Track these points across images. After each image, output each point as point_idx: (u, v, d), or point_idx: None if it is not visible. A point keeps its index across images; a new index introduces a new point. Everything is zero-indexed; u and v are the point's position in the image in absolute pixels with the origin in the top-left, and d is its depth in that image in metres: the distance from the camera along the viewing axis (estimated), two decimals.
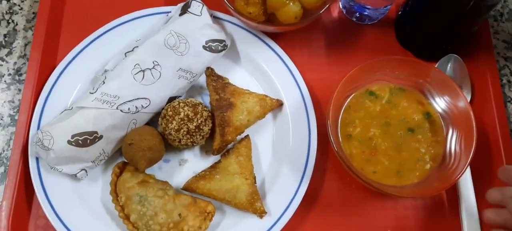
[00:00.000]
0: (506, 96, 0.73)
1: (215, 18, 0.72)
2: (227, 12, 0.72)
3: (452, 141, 0.63)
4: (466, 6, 0.62)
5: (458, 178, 0.59)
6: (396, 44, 0.75)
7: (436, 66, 0.71)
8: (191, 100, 0.64)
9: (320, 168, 0.67)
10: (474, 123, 0.60)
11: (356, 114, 0.65)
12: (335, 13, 0.77)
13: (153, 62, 0.64)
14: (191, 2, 0.69)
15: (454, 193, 0.65)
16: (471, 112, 0.61)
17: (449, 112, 0.64)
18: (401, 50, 0.74)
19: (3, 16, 0.76)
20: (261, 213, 0.61)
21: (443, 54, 0.71)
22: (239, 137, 0.66)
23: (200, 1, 0.70)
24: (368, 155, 0.63)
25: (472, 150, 0.59)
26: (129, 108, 0.62)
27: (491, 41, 0.74)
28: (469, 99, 0.70)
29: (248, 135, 0.67)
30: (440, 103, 0.66)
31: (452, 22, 0.67)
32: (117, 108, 0.62)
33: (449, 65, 0.71)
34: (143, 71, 0.64)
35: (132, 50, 0.67)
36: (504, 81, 0.74)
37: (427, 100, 0.66)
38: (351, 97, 0.66)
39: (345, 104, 0.66)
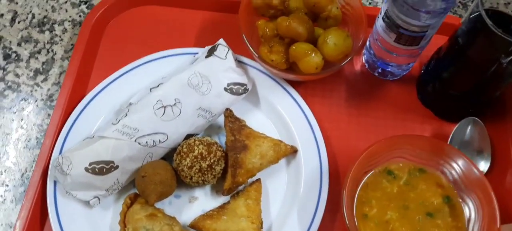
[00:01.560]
0: None
1: (239, 63, 0.74)
2: (251, 57, 0.74)
3: (475, 228, 0.61)
4: (487, 71, 0.62)
5: None
6: (416, 102, 0.74)
7: (455, 128, 0.70)
8: (206, 139, 0.66)
9: (328, 222, 0.66)
10: (498, 218, 0.57)
11: (373, 194, 0.63)
12: (357, 67, 0.78)
13: (175, 100, 0.67)
14: (217, 46, 0.72)
15: None
16: (496, 208, 0.58)
17: (472, 198, 0.62)
18: (422, 109, 0.74)
19: (44, 45, 0.81)
20: None
21: (464, 116, 0.70)
22: (250, 180, 0.67)
23: (226, 45, 0.73)
24: None
25: None
26: (146, 142, 0.64)
27: None
28: (488, 164, 0.68)
29: (259, 179, 0.67)
30: (463, 190, 0.63)
31: (474, 85, 0.66)
32: (135, 140, 0.64)
33: (468, 128, 0.69)
34: (165, 107, 0.66)
35: (157, 86, 0.70)
36: None
37: (448, 183, 0.63)
38: (369, 175, 0.64)
39: (363, 181, 0.64)
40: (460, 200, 0.63)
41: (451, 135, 0.70)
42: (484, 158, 0.69)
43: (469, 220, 0.62)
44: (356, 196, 0.63)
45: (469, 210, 0.62)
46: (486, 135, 0.69)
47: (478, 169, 0.61)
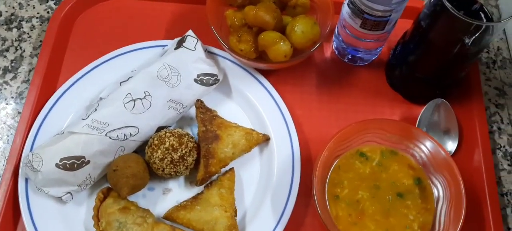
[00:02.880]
0: (496, 143, 0.73)
1: (209, 53, 0.75)
2: (221, 48, 0.74)
3: (442, 210, 0.62)
4: (451, 52, 0.63)
5: None
6: (386, 86, 0.76)
7: (423, 110, 0.71)
8: (178, 131, 0.66)
9: (301, 207, 0.67)
10: (464, 198, 0.59)
11: (346, 175, 0.64)
12: (327, 54, 0.79)
13: (145, 93, 0.67)
14: (186, 37, 0.72)
15: None
16: (462, 188, 0.59)
17: (440, 179, 0.63)
18: (391, 92, 0.75)
19: (12, 43, 0.80)
20: None
21: (431, 97, 0.71)
22: (223, 169, 0.67)
23: (195, 36, 0.73)
24: (355, 218, 0.62)
25: (460, 224, 0.58)
26: (117, 136, 0.64)
27: (480, 87, 0.74)
28: (456, 144, 0.70)
29: (232, 168, 0.68)
30: (431, 172, 0.64)
31: (439, 67, 0.68)
32: (106, 135, 0.64)
33: (435, 109, 0.71)
34: (134, 100, 0.66)
35: (127, 80, 0.69)
36: (495, 128, 0.74)
37: (418, 165, 0.65)
38: (341, 157, 0.65)
39: (334, 164, 0.65)
40: (430, 182, 0.64)
41: (419, 117, 0.71)
42: (451, 138, 0.70)
43: (438, 200, 0.63)
44: (328, 178, 0.64)
45: (438, 190, 0.63)
46: (453, 115, 0.71)
47: (444, 150, 0.62)
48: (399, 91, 0.74)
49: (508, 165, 0.71)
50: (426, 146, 0.63)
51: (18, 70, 0.78)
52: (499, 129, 0.74)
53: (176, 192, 0.68)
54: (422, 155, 0.64)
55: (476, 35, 0.60)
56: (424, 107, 0.71)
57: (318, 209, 0.59)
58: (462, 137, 0.71)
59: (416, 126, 0.70)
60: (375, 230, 0.62)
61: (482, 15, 0.62)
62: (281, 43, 0.69)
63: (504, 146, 0.72)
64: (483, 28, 0.58)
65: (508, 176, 0.70)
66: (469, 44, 0.61)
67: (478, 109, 0.72)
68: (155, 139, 0.65)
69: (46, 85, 0.73)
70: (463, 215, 0.58)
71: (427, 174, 0.64)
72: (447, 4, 0.56)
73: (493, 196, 0.66)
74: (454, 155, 0.69)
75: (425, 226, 0.62)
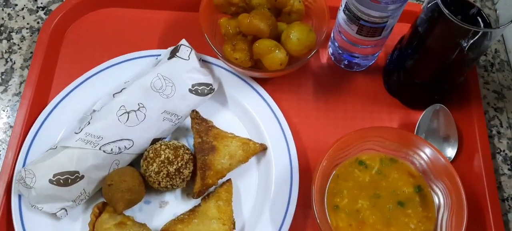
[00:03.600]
0: (496, 147, 0.72)
1: (204, 62, 0.73)
2: (216, 56, 0.73)
3: (443, 217, 0.61)
4: (449, 57, 0.62)
5: None
6: (384, 92, 0.75)
7: (422, 116, 0.70)
8: (173, 143, 0.65)
9: (300, 218, 0.66)
10: (465, 205, 0.58)
11: (345, 184, 0.63)
12: (324, 60, 0.78)
13: (138, 104, 0.65)
14: (180, 46, 0.71)
15: None
16: (463, 195, 0.58)
17: (441, 186, 0.62)
18: (389, 98, 0.74)
19: (2, 55, 0.78)
20: None
21: (430, 103, 0.70)
22: (220, 181, 0.66)
23: (189, 45, 0.71)
24: (355, 228, 0.61)
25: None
26: (112, 149, 0.63)
27: (479, 91, 0.73)
28: (455, 150, 0.69)
29: (230, 179, 0.67)
30: (432, 179, 0.63)
31: (436, 72, 0.67)
32: (100, 148, 0.62)
33: (434, 115, 0.70)
34: (128, 112, 0.65)
35: (120, 91, 0.68)
36: (494, 132, 0.73)
37: (419, 173, 0.64)
38: (340, 166, 0.64)
39: (333, 173, 0.64)
40: (430, 189, 0.63)
41: (417, 123, 0.70)
42: (451, 144, 0.70)
43: (438, 208, 0.62)
44: (327, 188, 0.63)
45: (438, 198, 0.62)
46: (452, 121, 0.70)
47: (444, 157, 0.61)
48: (397, 96, 0.74)
49: (508, 169, 0.71)
50: (426, 153, 0.62)
51: (9, 83, 0.76)
52: (499, 133, 0.73)
53: (173, 205, 0.66)
54: (422, 162, 0.63)
55: (474, 40, 0.59)
56: (423, 113, 0.70)
57: (318, 220, 0.58)
58: (461, 143, 0.70)
59: (415, 132, 0.70)
60: None
61: (480, 20, 0.61)
62: (277, 51, 0.68)
63: (504, 150, 0.72)
64: (480, 33, 0.58)
65: (509, 180, 0.70)
66: (467, 49, 0.60)
67: (477, 113, 0.71)
68: (150, 151, 0.64)
69: (38, 98, 0.71)
70: (464, 222, 0.57)
71: (428, 182, 0.63)
72: (444, 10, 0.55)
73: (494, 201, 0.66)
74: (454, 161, 0.69)
75: None
